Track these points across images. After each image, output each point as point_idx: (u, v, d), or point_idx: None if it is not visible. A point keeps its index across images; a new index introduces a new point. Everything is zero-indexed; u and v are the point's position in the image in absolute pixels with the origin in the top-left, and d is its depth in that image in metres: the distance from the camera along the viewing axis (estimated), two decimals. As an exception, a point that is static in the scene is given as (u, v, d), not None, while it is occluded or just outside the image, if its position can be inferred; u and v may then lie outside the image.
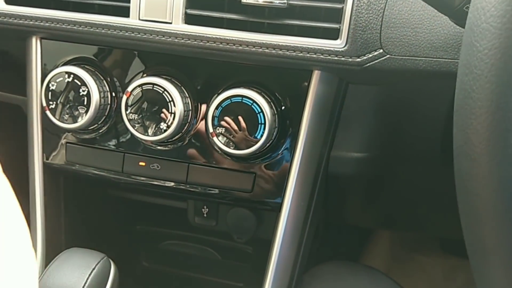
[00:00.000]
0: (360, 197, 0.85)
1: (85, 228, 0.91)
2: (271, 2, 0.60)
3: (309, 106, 0.66)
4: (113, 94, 0.72)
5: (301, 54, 0.61)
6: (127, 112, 0.68)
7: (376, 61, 0.60)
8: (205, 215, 0.88)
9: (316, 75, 0.65)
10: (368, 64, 0.60)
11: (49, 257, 0.79)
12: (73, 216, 0.87)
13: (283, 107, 0.67)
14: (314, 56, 0.61)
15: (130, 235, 1.02)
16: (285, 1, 0.60)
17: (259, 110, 0.64)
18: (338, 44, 0.60)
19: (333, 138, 0.71)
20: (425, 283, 1.33)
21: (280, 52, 0.62)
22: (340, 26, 0.60)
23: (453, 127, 0.35)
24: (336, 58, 0.60)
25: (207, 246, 0.98)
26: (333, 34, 0.61)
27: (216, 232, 0.92)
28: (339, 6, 0.60)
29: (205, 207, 0.87)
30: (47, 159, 0.78)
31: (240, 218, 0.82)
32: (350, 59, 0.60)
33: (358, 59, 0.60)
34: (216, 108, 0.65)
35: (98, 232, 0.94)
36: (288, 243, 0.71)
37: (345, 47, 0.60)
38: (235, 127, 0.65)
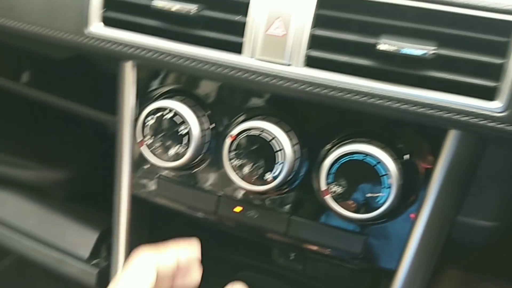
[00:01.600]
0: (477, 261, 0.75)
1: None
2: (406, 52, 0.51)
3: (440, 168, 0.57)
4: (213, 131, 0.66)
5: (443, 114, 0.52)
6: (230, 156, 0.61)
7: (540, 129, 0.50)
8: (291, 258, 0.81)
9: (452, 134, 0.56)
10: (531, 134, 0.50)
11: None
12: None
13: (408, 166, 0.58)
14: (460, 118, 0.51)
15: (206, 260, 0.97)
16: (433, 50, 0.50)
17: (385, 173, 0.55)
18: (494, 107, 0.50)
19: (462, 203, 0.61)
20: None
21: (417, 110, 0.52)
22: (498, 85, 0.50)
23: None
24: (491, 124, 0.50)
25: (288, 284, 0.92)
26: (485, 94, 0.51)
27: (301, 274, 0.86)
28: (499, 61, 0.50)
29: (293, 248, 0.80)
30: (136, 190, 0.73)
31: (332, 271, 0.75)
32: (508, 127, 0.50)
33: (520, 127, 0.50)
34: (333, 163, 0.57)
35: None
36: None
37: (505, 112, 0.50)
38: (354, 189, 0.57)
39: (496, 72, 0.50)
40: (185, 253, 0.55)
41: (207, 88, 0.66)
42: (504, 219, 0.63)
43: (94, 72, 0.87)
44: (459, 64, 0.51)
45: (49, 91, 0.96)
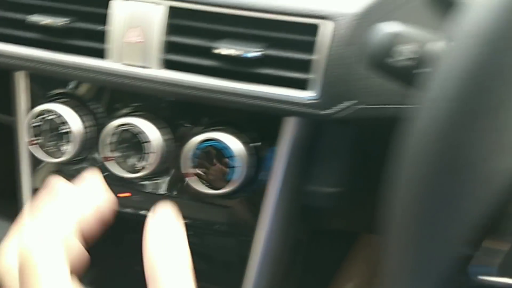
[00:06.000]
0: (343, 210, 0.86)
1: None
2: (241, 54, 0.61)
3: (282, 147, 0.68)
4: (98, 129, 0.74)
5: (273, 104, 0.62)
6: (106, 148, 0.70)
7: (347, 112, 0.61)
8: (190, 234, 0.91)
9: (290, 119, 0.67)
10: (339, 115, 0.61)
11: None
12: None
13: (257, 148, 0.69)
14: (285, 107, 0.62)
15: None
16: (261, 52, 0.61)
17: (232, 154, 0.66)
18: (309, 96, 0.61)
19: (307, 174, 0.73)
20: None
21: (253, 101, 0.63)
22: (310, 77, 0.61)
23: None
24: (308, 110, 0.61)
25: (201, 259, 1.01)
26: (302, 84, 0.62)
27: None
28: (308, 57, 0.61)
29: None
30: (36, 186, 0.81)
31: (218, 242, 0.85)
32: (321, 112, 0.61)
33: (330, 111, 0.61)
34: (193, 149, 0.67)
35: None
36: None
37: (318, 100, 0.61)
38: (209, 170, 0.67)
39: (307, 66, 0.61)
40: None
41: (90, 91, 0.74)
42: (346, 185, 0.75)
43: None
44: (282, 61, 0.62)
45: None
